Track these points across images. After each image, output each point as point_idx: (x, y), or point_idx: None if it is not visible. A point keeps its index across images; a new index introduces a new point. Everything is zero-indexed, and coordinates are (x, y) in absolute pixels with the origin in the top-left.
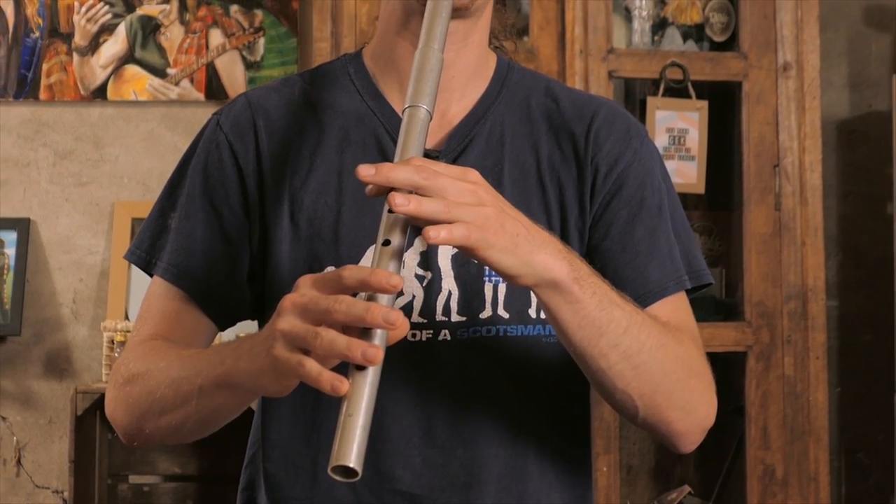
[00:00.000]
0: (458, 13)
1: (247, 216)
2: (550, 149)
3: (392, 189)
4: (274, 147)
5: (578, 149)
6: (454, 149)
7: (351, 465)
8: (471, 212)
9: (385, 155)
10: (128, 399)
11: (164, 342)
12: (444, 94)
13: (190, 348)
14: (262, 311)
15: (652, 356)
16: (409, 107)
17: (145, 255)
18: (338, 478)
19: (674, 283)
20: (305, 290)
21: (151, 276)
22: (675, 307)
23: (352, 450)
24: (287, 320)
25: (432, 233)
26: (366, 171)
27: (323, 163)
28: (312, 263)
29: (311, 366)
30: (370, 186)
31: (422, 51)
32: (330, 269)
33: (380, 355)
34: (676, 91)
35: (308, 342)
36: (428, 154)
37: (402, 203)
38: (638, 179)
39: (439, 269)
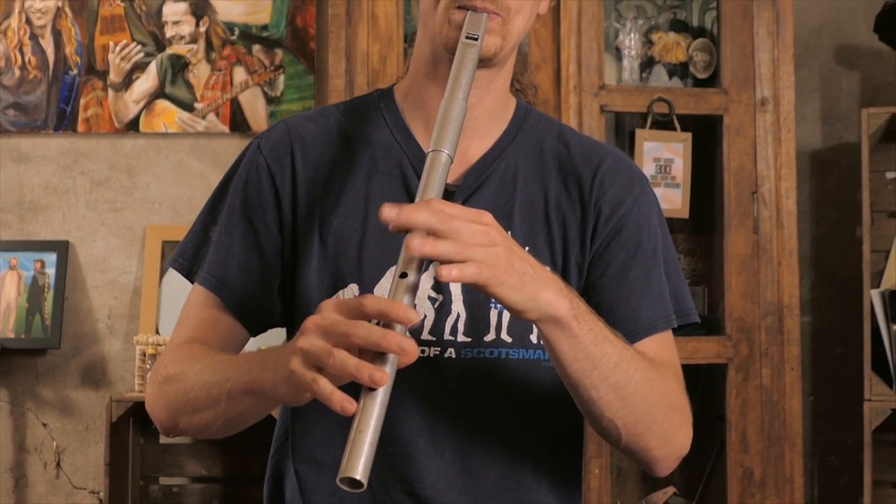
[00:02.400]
0: (483, 63)
1: (280, 233)
2: (558, 190)
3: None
4: (308, 172)
5: (584, 192)
6: (471, 185)
7: (357, 477)
8: (483, 252)
9: (408, 186)
10: (165, 396)
11: (200, 346)
12: (465, 133)
13: (224, 352)
14: (291, 320)
15: (638, 389)
16: (432, 150)
17: (188, 263)
18: (345, 488)
19: (662, 322)
20: (328, 312)
21: (192, 283)
22: (662, 344)
23: (359, 463)
24: (308, 339)
25: (444, 272)
26: (388, 213)
27: (351, 189)
28: (337, 280)
29: (324, 385)
30: (392, 223)
31: (447, 99)
32: (353, 286)
33: (385, 378)
34: (663, 124)
35: (322, 360)
36: (446, 189)
37: (419, 245)
38: (636, 224)
39: (450, 293)
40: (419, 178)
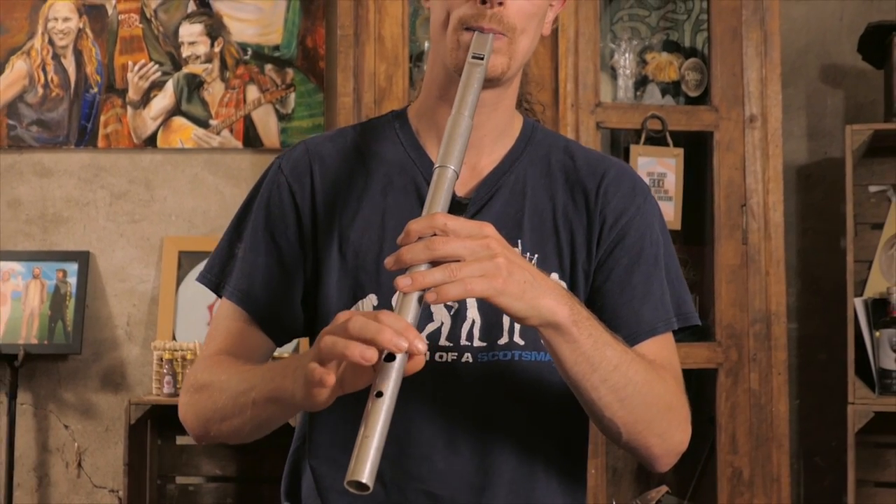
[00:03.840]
0: (489, 83)
1: (302, 248)
2: (565, 200)
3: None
4: (327, 189)
5: (590, 201)
6: (483, 197)
7: (364, 480)
8: (483, 265)
9: (422, 199)
10: (196, 406)
11: (227, 357)
12: (475, 149)
13: (251, 362)
14: (314, 330)
15: (637, 391)
16: (438, 167)
17: (215, 279)
18: (352, 490)
19: (663, 325)
20: (341, 321)
21: (220, 297)
22: (662, 346)
23: (366, 467)
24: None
25: (431, 297)
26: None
27: (368, 204)
28: (356, 290)
29: (338, 342)
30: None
31: (454, 117)
32: (371, 296)
33: (374, 356)
34: (656, 140)
35: (324, 353)
36: (459, 202)
37: (407, 284)
38: (639, 232)
39: (465, 300)
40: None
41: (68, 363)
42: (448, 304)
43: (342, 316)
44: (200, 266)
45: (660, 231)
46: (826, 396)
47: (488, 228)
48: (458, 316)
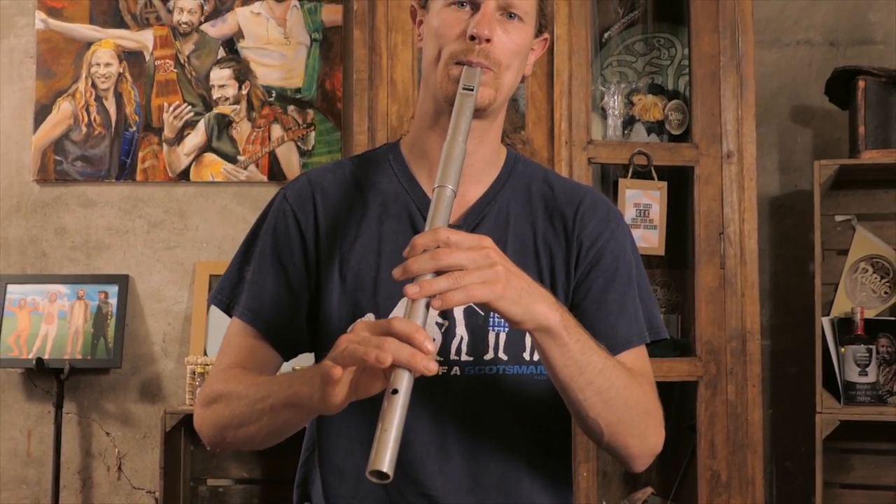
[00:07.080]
0: (478, 113)
1: (306, 270)
2: (545, 227)
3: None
4: (328, 217)
5: (567, 227)
6: (469, 224)
7: (384, 469)
8: (484, 273)
9: (415, 226)
10: (213, 415)
11: (241, 370)
12: (463, 178)
13: (261, 375)
14: (317, 345)
15: (619, 394)
16: (438, 186)
17: (226, 300)
18: (373, 479)
19: (637, 338)
20: (360, 331)
21: (231, 316)
22: (637, 357)
23: (386, 458)
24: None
25: (437, 304)
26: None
27: (366, 231)
28: (355, 310)
29: (356, 348)
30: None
31: (449, 142)
32: (370, 315)
33: (388, 359)
34: (642, 174)
35: (338, 360)
36: (451, 226)
37: (415, 292)
38: (613, 254)
39: (454, 318)
40: (425, 219)
41: (109, 376)
42: (438, 321)
43: (360, 326)
44: None
45: (632, 253)
46: (796, 406)
47: (487, 241)
48: (448, 333)
